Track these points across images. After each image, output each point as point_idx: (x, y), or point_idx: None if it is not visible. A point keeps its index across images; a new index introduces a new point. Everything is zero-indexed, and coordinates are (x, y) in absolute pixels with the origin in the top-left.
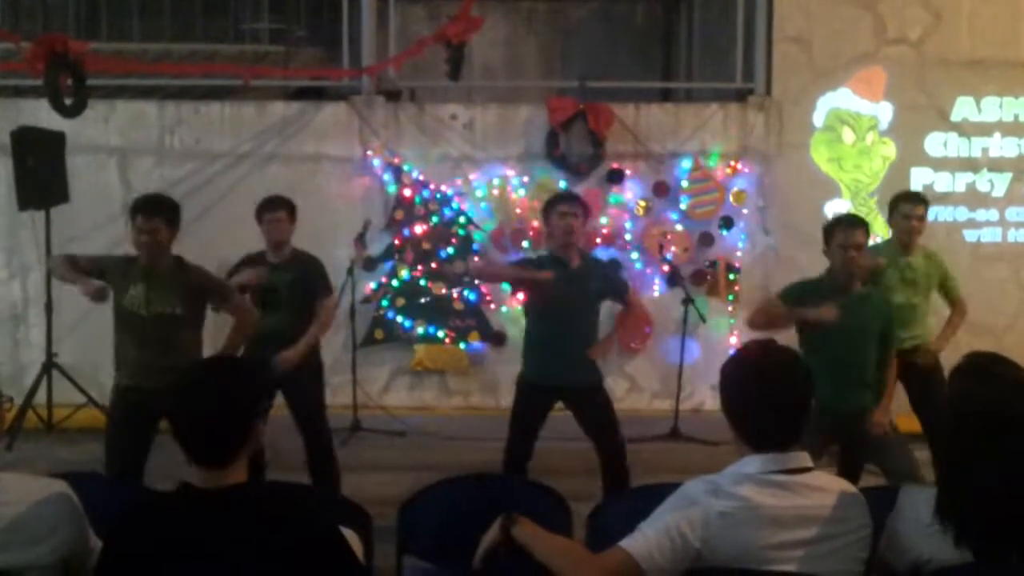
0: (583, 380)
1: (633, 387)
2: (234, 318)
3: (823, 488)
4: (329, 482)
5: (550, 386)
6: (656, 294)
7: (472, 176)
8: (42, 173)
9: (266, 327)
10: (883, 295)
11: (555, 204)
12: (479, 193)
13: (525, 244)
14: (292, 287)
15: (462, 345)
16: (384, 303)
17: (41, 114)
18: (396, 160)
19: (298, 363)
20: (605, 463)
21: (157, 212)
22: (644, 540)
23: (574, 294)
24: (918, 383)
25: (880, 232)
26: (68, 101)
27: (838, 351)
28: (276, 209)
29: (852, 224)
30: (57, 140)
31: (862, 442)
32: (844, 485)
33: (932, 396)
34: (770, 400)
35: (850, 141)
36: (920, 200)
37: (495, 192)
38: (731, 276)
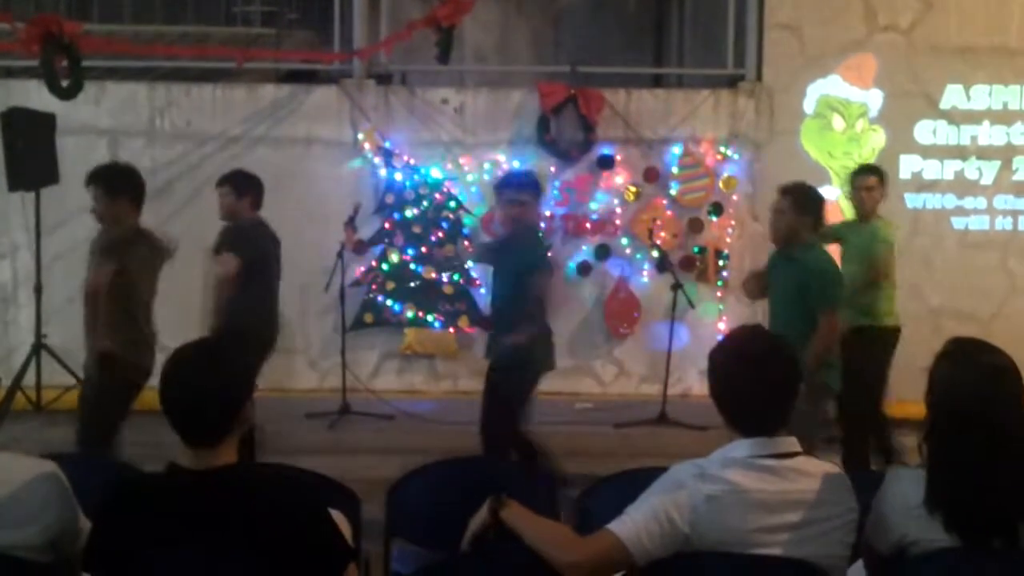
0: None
1: (621, 372)
2: None
3: (810, 472)
4: None
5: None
6: (645, 279)
7: (463, 160)
8: (32, 154)
9: None
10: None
11: (501, 190)
12: (470, 177)
13: None
14: None
15: (451, 329)
16: (374, 287)
17: (31, 95)
18: (386, 144)
19: None
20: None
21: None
22: (632, 523)
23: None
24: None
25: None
26: (64, 83)
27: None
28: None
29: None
30: (47, 121)
31: None
32: (831, 469)
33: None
34: (757, 385)
35: (840, 128)
36: (871, 171)
37: (485, 176)
38: (720, 262)
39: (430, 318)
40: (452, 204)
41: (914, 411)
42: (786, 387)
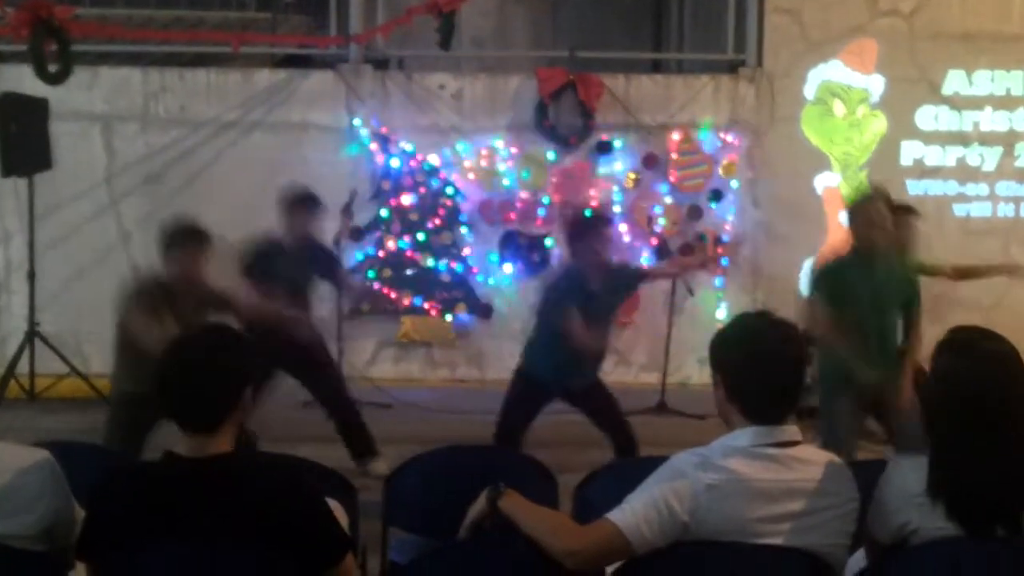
0: (591, 379)
1: (620, 360)
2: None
3: (811, 461)
4: None
5: (559, 387)
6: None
7: (460, 146)
8: (25, 140)
9: None
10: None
11: (592, 229)
12: (467, 164)
13: (512, 216)
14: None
15: (448, 317)
16: (370, 274)
17: (25, 80)
18: (383, 130)
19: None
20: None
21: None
22: (632, 513)
23: (598, 311)
24: None
25: None
26: (53, 68)
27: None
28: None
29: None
30: (41, 106)
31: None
32: (832, 458)
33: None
34: (769, 372)
35: (841, 114)
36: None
37: (483, 163)
38: (720, 249)
39: (427, 306)
40: (449, 191)
41: None
42: (796, 374)
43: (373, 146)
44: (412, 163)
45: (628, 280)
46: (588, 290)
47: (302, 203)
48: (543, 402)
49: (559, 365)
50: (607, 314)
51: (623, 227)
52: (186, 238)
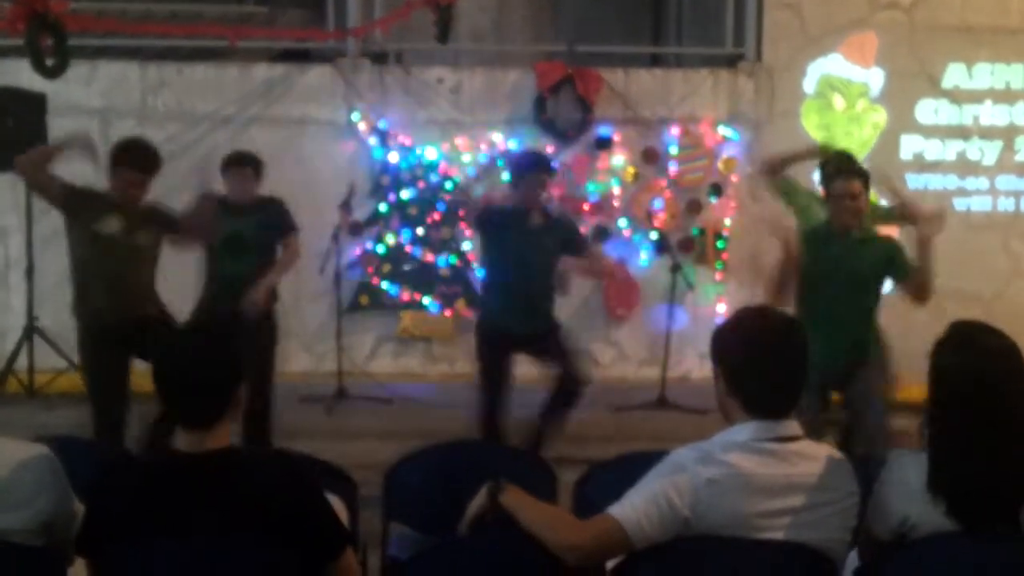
0: (539, 328)
1: (620, 355)
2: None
3: (812, 456)
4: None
5: (507, 333)
6: (644, 261)
7: (459, 141)
8: (23, 134)
9: (235, 273)
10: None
11: (526, 171)
12: (466, 158)
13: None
14: (258, 231)
15: (448, 312)
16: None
17: (22, 74)
18: (381, 124)
19: (264, 301)
20: (559, 383)
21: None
22: (632, 508)
23: (531, 249)
24: None
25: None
26: (49, 62)
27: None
28: (243, 166)
29: (848, 174)
30: (38, 101)
31: (850, 387)
32: (832, 453)
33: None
34: (770, 366)
35: (840, 108)
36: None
37: (482, 157)
38: (719, 244)
39: (426, 301)
40: (448, 185)
41: (916, 394)
42: (798, 369)
43: (372, 141)
44: (411, 157)
45: (568, 232)
46: (525, 227)
47: (231, 163)
48: (508, 349)
49: (508, 308)
50: (545, 257)
51: (623, 222)
52: (130, 158)
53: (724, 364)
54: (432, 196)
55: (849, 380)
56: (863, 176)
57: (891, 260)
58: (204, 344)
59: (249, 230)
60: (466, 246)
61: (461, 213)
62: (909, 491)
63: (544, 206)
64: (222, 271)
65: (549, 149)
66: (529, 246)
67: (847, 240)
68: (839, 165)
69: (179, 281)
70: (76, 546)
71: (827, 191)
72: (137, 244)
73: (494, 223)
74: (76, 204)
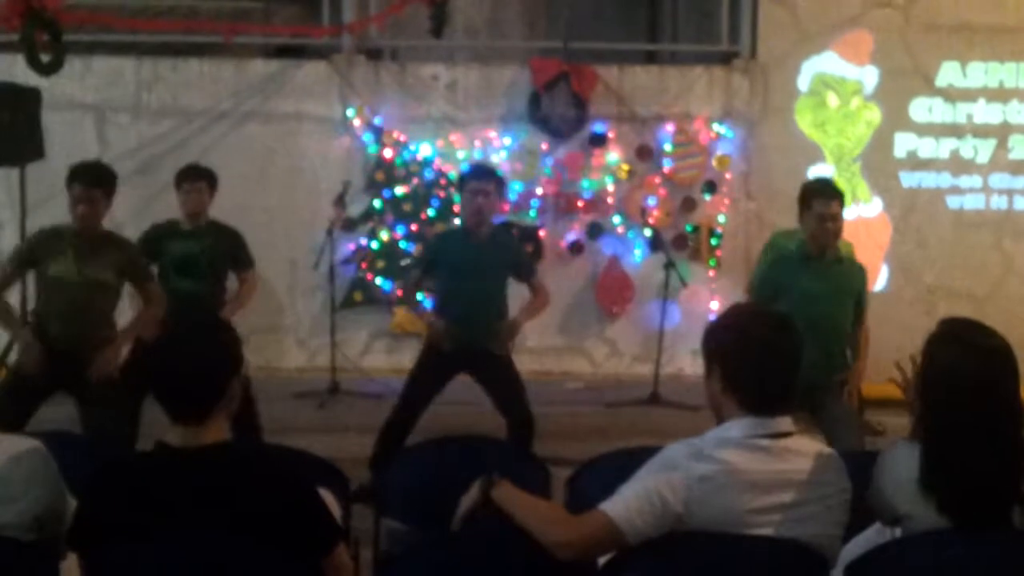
0: (487, 347)
1: (613, 352)
2: (143, 299)
3: (803, 452)
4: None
5: (455, 351)
6: (637, 258)
7: (453, 137)
8: (17, 129)
9: (185, 292)
10: (855, 262)
11: (466, 181)
12: (461, 154)
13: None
14: (210, 253)
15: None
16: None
17: (16, 70)
18: (376, 120)
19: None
20: (511, 429)
21: (96, 183)
22: (624, 504)
23: (479, 265)
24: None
25: (863, 198)
26: (45, 58)
27: (816, 316)
28: (197, 179)
29: (829, 195)
30: (32, 96)
31: (824, 410)
32: (824, 449)
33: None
34: (763, 363)
35: (835, 105)
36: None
37: (477, 154)
38: (713, 241)
39: (420, 297)
40: (443, 182)
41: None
42: (793, 365)
43: (366, 137)
44: (405, 154)
45: (514, 255)
46: (467, 243)
47: (185, 177)
48: (446, 371)
49: (451, 323)
50: (487, 273)
51: (617, 219)
52: (78, 172)
53: (717, 360)
54: (427, 192)
55: (819, 403)
56: (841, 197)
57: (862, 286)
58: (195, 340)
59: (202, 252)
60: None
61: (455, 209)
62: (902, 481)
63: (492, 223)
64: (174, 288)
65: (544, 146)
66: (467, 263)
67: (823, 260)
68: (819, 186)
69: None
70: (68, 540)
71: (805, 212)
72: (90, 280)
73: (437, 241)
74: (29, 261)
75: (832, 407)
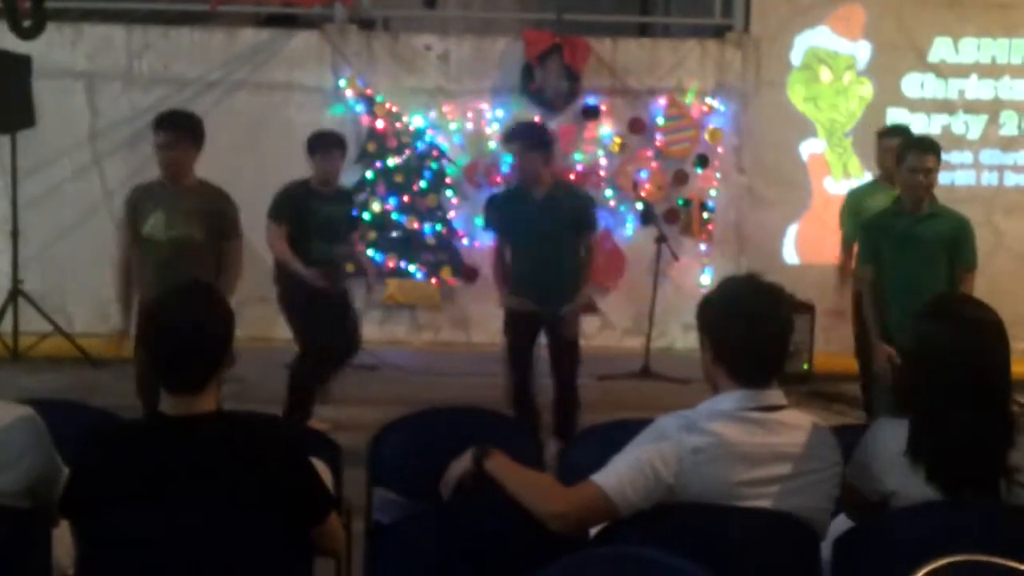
0: (553, 305)
1: (604, 325)
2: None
3: (796, 425)
4: None
5: (531, 314)
6: (629, 232)
7: (446, 108)
8: (8, 97)
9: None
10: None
11: (509, 142)
12: (453, 126)
13: (499, 179)
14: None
15: (434, 280)
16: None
17: (6, 37)
18: (369, 91)
19: None
20: (557, 407)
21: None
22: (616, 475)
23: (541, 226)
24: None
25: (855, 173)
26: (26, 23)
27: (912, 272)
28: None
29: (923, 148)
30: (23, 64)
31: None
32: (816, 423)
33: None
34: (755, 335)
35: (827, 80)
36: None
37: (469, 125)
38: (705, 215)
39: (412, 268)
40: (435, 153)
41: None
42: (783, 338)
43: (358, 107)
44: (398, 125)
45: (577, 206)
46: (527, 202)
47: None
48: (528, 326)
49: (521, 285)
50: (551, 231)
51: (609, 192)
52: (159, 120)
53: (710, 333)
54: (419, 164)
55: None
56: (937, 152)
57: (955, 240)
58: (190, 308)
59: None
60: (452, 214)
61: (448, 180)
62: (890, 456)
63: (552, 178)
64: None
65: (536, 119)
66: (529, 222)
67: (919, 214)
68: (914, 140)
69: None
70: (60, 508)
71: (899, 165)
72: (179, 239)
73: (495, 205)
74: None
75: None
